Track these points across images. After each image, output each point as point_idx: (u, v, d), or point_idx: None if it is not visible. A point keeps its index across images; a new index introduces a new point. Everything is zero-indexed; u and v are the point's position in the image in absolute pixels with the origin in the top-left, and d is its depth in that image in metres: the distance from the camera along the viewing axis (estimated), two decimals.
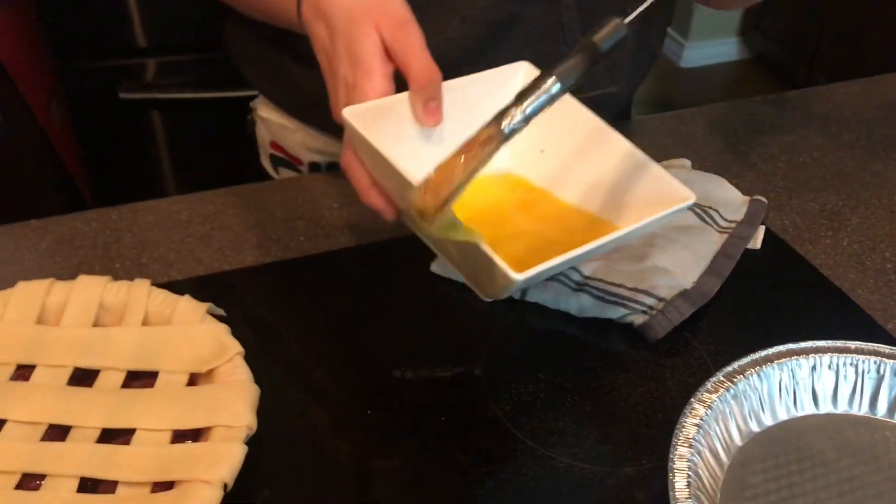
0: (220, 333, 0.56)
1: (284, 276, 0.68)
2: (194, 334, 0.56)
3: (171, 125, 1.73)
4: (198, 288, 0.63)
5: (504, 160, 0.62)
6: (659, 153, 0.63)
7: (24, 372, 0.55)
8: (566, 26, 0.74)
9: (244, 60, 0.84)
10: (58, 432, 0.51)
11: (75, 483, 0.48)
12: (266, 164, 0.90)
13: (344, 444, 0.55)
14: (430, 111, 0.56)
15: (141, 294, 0.59)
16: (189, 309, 0.58)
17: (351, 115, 0.53)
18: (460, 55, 0.70)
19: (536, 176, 0.62)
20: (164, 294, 0.59)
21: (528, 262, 0.48)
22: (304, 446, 0.54)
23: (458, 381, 0.59)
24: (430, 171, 0.49)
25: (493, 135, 0.48)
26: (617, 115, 0.85)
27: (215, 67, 1.63)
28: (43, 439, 0.51)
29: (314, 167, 0.85)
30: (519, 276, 0.47)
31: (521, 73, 0.61)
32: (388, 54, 0.55)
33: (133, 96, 1.65)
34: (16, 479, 0.48)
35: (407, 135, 0.57)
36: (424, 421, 0.56)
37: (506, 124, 0.48)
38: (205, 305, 0.58)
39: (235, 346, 0.55)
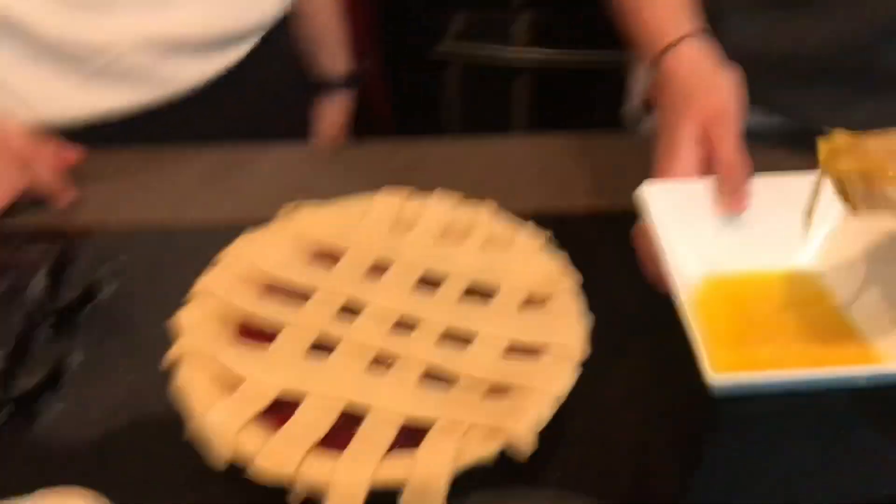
0: (558, 263, 0.58)
1: (612, 226, 0.69)
2: (534, 261, 0.59)
3: (470, 83, 1.81)
4: (529, 222, 0.66)
5: (811, 260, 0.60)
6: None
7: (379, 269, 0.61)
8: None
9: None
10: (406, 326, 0.56)
11: (421, 371, 0.53)
12: (631, 109, 0.92)
13: (649, 407, 0.55)
14: (734, 198, 0.58)
15: (486, 216, 0.63)
16: (529, 236, 0.61)
17: (647, 190, 0.58)
18: None
19: (837, 288, 0.58)
20: (507, 219, 0.63)
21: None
22: (611, 390, 0.56)
23: None
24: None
25: None
26: None
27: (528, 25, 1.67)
28: (393, 329, 0.56)
29: None
30: (716, 378, 0.46)
31: None
32: (703, 141, 0.58)
33: (444, 50, 1.74)
34: (370, 357, 0.54)
35: (704, 219, 0.59)
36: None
37: None
38: (543, 236, 0.61)
39: (571, 277, 0.57)
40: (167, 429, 0.55)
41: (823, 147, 0.52)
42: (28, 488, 0.49)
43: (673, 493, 0.50)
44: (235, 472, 0.49)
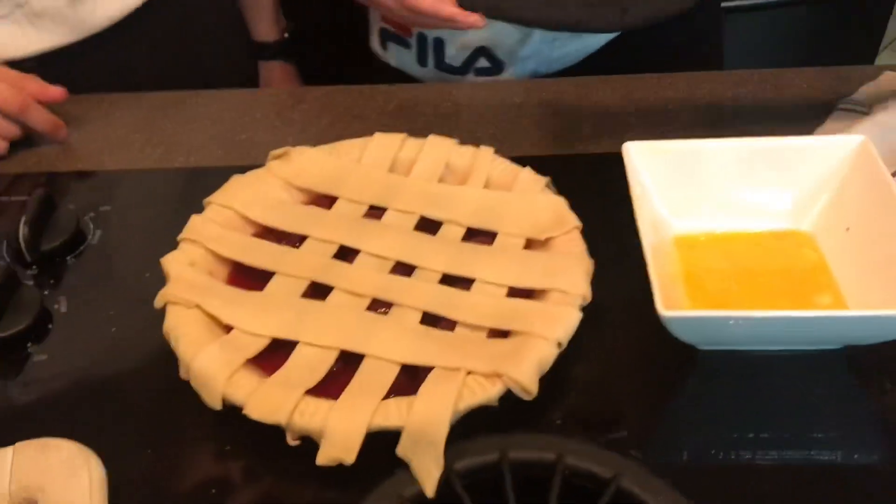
0: (560, 206, 0.57)
1: (611, 170, 0.67)
2: (535, 203, 0.57)
3: None
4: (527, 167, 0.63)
5: (805, 224, 0.58)
6: None
7: (375, 212, 0.59)
8: None
9: None
10: (404, 270, 0.55)
11: (419, 315, 0.51)
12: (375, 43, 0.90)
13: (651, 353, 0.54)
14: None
15: (485, 159, 0.61)
16: (530, 179, 0.59)
17: (631, 147, 0.58)
18: None
19: (829, 249, 0.56)
20: (506, 163, 0.61)
21: None
22: (623, 326, 0.54)
23: None
24: None
25: None
26: None
27: None
28: (391, 273, 0.54)
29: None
30: (666, 313, 0.47)
31: None
32: None
33: None
34: (367, 302, 0.52)
35: (693, 178, 0.58)
36: None
37: None
38: (544, 179, 0.59)
39: (574, 220, 0.55)
40: (153, 378, 0.53)
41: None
42: (10, 439, 0.47)
43: (669, 437, 0.49)
44: (225, 418, 0.48)
